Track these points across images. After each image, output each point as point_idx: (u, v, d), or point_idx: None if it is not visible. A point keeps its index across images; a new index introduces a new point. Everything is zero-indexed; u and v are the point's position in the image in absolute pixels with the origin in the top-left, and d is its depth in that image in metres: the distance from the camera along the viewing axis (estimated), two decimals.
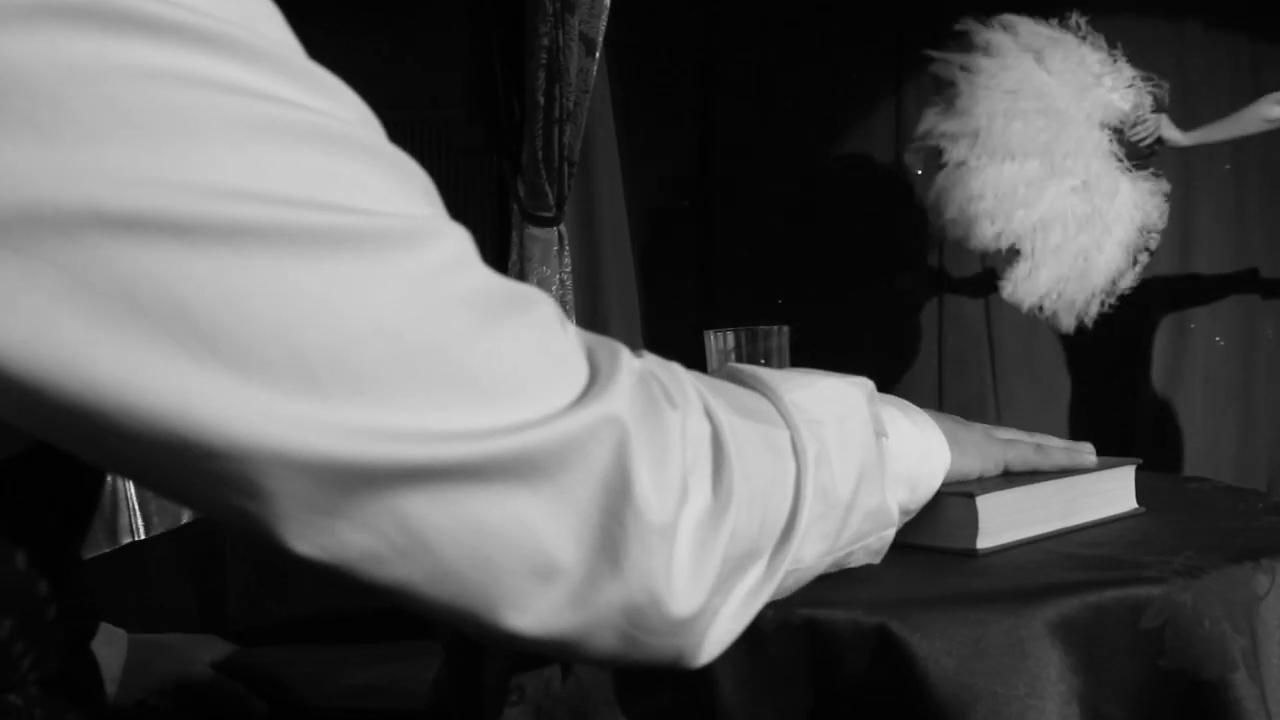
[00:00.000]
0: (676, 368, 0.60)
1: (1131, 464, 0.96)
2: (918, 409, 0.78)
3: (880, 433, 0.70)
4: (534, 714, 0.73)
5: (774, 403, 0.64)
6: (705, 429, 0.57)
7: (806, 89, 3.55)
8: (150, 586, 2.79)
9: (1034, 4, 3.49)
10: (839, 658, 0.70)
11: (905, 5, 3.57)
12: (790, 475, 0.62)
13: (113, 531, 2.43)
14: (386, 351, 0.46)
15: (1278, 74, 3.49)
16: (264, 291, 0.43)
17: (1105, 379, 3.50)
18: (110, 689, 0.95)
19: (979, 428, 0.86)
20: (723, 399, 0.60)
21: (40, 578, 0.52)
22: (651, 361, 0.58)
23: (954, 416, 0.85)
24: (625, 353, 0.55)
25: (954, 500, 0.83)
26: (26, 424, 0.44)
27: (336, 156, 0.46)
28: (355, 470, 0.45)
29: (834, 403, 0.67)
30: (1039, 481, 0.88)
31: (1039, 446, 0.89)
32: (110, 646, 0.96)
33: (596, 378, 0.53)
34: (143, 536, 2.46)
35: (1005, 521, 0.85)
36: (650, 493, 0.52)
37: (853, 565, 0.71)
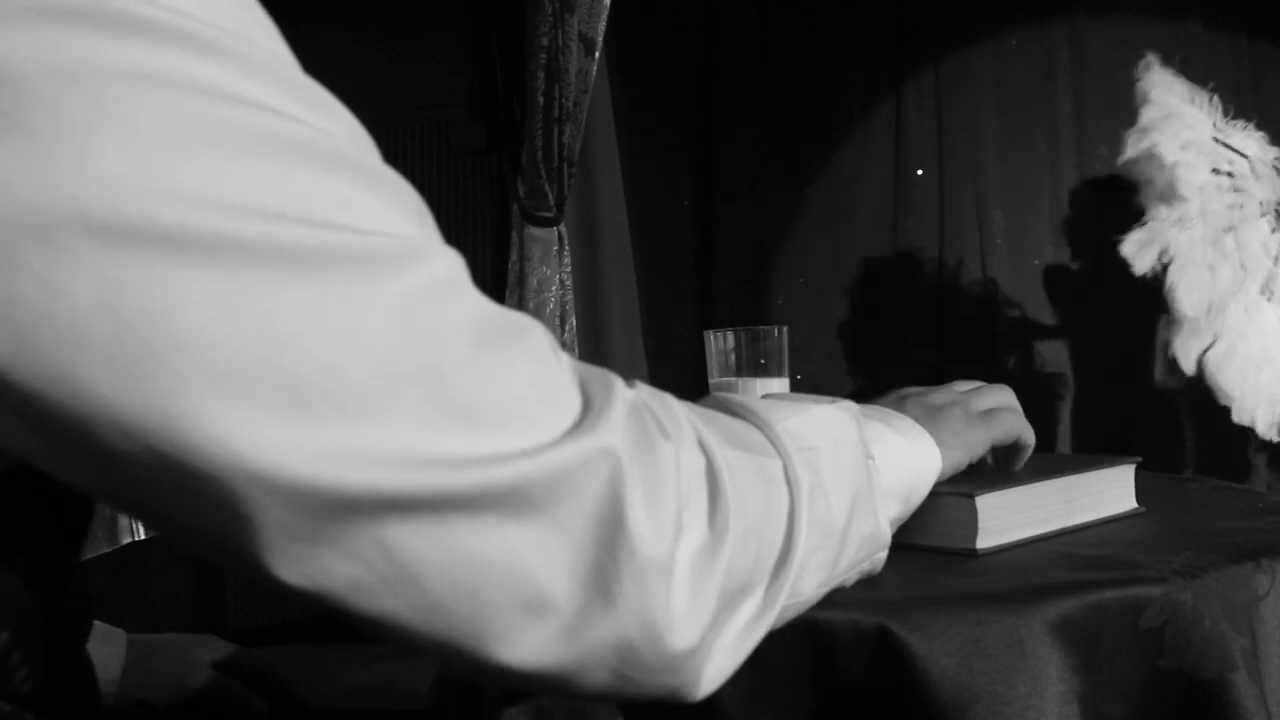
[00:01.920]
0: (669, 398, 0.59)
1: (1131, 464, 0.96)
2: (899, 415, 0.78)
3: (868, 455, 0.70)
4: (534, 713, 0.73)
5: (765, 433, 0.63)
6: (699, 461, 0.56)
7: (806, 89, 3.55)
8: (150, 586, 2.79)
9: (1034, 4, 3.49)
10: (839, 658, 0.70)
11: (905, 5, 3.57)
12: (784, 505, 0.61)
13: (113, 531, 2.43)
14: (374, 373, 0.44)
15: (1278, 74, 3.49)
16: (250, 308, 0.42)
17: (1105, 379, 3.50)
18: (109, 689, 0.95)
19: (956, 408, 0.83)
20: (715, 430, 0.59)
21: (37, 588, 0.51)
22: (644, 392, 0.58)
23: (926, 398, 0.83)
24: (619, 383, 0.55)
25: (954, 500, 0.83)
26: (14, 443, 0.43)
27: (327, 173, 0.45)
28: (340, 497, 0.44)
29: (825, 428, 0.67)
30: (1039, 481, 0.88)
31: (1019, 413, 0.87)
32: (109, 646, 0.96)
33: (590, 408, 0.52)
34: (143, 536, 2.46)
35: (1005, 521, 0.85)
36: (644, 527, 0.51)
37: (847, 585, 0.71)
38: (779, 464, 0.62)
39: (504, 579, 0.48)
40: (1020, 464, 0.89)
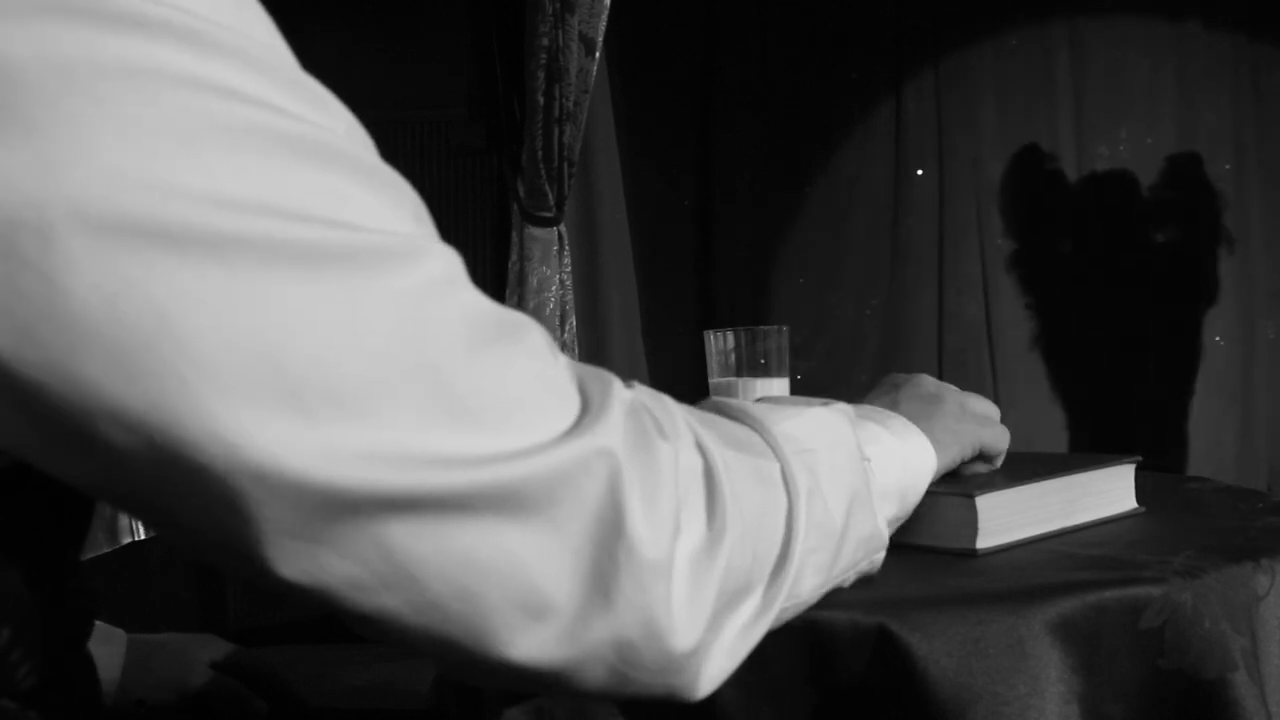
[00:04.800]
0: (667, 400, 0.59)
1: (1131, 463, 0.96)
2: (893, 415, 0.78)
3: (864, 457, 0.70)
4: (534, 713, 0.73)
5: (762, 435, 0.63)
6: (697, 462, 0.56)
7: (806, 89, 3.55)
8: (150, 586, 2.79)
9: (1034, 4, 3.49)
10: (839, 658, 0.70)
11: (905, 5, 3.57)
12: (781, 507, 0.61)
13: (113, 531, 2.43)
14: (372, 371, 0.44)
15: (1278, 74, 3.49)
16: (248, 305, 0.42)
17: (1105, 379, 3.50)
18: (109, 689, 0.95)
19: (949, 403, 0.84)
20: (713, 432, 0.59)
21: (38, 586, 0.51)
22: (642, 393, 0.57)
23: (919, 389, 0.84)
24: (617, 384, 0.54)
25: (954, 500, 0.83)
26: (15, 440, 0.43)
27: (327, 170, 0.45)
28: (338, 495, 0.44)
29: (821, 431, 0.67)
30: (1039, 481, 0.88)
31: (1005, 431, 0.88)
32: (109, 646, 0.96)
33: (588, 409, 0.51)
34: (143, 536, 2.46)
35: (1005, 521, 0.85)
36: (643, 527, 0.51)
37: (846, 586, 0.71)
38: (776, 466, 0.62)
39: (502, 580, 0.48)
40: (995, 466, 0.90)
